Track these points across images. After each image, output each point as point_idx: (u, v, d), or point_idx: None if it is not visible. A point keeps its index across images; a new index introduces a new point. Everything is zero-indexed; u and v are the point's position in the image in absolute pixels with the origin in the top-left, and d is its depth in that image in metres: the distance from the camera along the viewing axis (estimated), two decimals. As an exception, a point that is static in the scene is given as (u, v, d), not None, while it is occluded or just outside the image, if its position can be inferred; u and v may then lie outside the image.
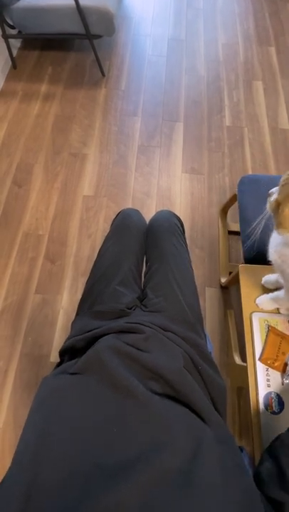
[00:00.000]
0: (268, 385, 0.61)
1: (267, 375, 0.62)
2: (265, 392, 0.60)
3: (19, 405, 1.11)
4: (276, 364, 0.63)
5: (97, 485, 0.33)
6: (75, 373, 0.48)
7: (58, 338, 1.22)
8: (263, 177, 1.11)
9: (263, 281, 0.76)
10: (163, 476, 0.35)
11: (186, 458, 0.37)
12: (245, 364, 0.70)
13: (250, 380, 0.63)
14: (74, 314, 0.75)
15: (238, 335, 1.14)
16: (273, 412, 0.59)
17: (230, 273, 1.27)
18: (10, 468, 0.38)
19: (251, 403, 0.60)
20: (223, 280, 1.28)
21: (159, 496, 0.33)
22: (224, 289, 1.30)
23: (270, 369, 0.63)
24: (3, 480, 0.37)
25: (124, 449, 0.38)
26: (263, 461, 0.46)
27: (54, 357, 1.19)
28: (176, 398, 0.45)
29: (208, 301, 1.28)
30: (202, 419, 0.45)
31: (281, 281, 0.69)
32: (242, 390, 1.03)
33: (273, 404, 0.59)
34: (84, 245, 1.39)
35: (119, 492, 0.33)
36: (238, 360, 1.04)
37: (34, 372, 1.16)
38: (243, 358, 1.07)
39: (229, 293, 1.29)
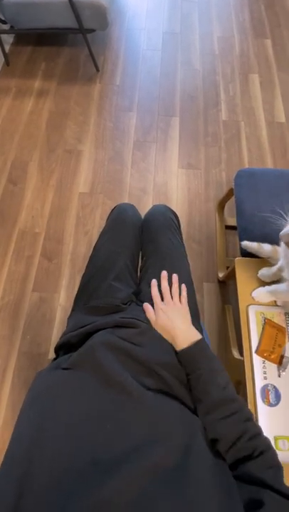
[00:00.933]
0: (265, 378, 0.61)
1: (263, 367, 0.62)
2: (262, 385, 0.60)
3: (18, 403, 1.11)
4: (272, 356, 0.62)
5: (90, 480, 0.34)
6: (69, 368, 0.48)
7: (56, 336, 1.21)
8: (259, 170, 1.10)
9: (259, 274, 0.76)
10: (155, 471, 0.35)
11: (178, 453, 0.37)
12: (243, 359, 0.69)
13: (246, 372, 0.63)
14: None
15: (236, 329, 1.14)
16: (270, 405, 0.59)
17: (227, 267, 1.26)
18: (3, 463, 0.38)
19: (248, 395, 0.60)
20: (221, 275, 1.27)
21: (151, 490, 0.34)
22: (222, 283, 1.29)
23: (266, 361, 0.63)
24: None
25: (117, 444, 0.38)
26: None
27: (52, 354, 1.18)
28: (170, 393, 0.44)
29: (206, 296, 1.28)
30: (196, 414, 0.45)
31: (283, 274, 0.68)
32: (240, 384, 1.03)
33: (270, 397, 0.59)
34: (80, 242, 1.38)
35: (111, 486, 0.33)
36: (236, 354, 1.04)
37: (32, 371, 1.16)
38: (242, 353, 1.07)
39: (227, 287, 1.29)
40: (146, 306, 0.62)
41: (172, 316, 0.58)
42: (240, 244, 0.97)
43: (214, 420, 0.43)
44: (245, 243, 0.84)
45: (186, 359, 0.51)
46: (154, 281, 0.65)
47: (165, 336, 0.56)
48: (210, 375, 0.48)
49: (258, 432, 0.43)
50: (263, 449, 0.41)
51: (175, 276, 0.66)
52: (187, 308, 0.63)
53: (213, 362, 0.50)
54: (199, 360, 0.50)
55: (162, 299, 0.63)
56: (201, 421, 0.43)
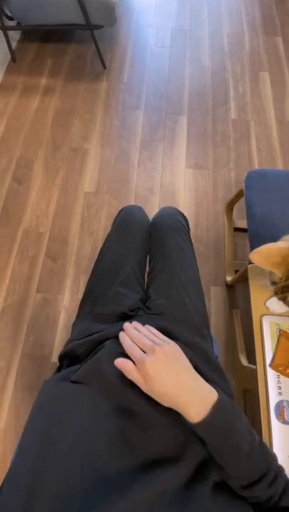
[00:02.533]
0: (280, 393, 0.58)
1: (278, 382, 0.59)
2: (277, 401, 0.57)
3: (20, 406, 1.09)
4: (288, 371, 0.59)
5: (96, 499, 0.33)
6: (77, 382, 0.46)
7: (60, 338, 1.20)
8: (271, 171, 1.07)
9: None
10: (165, 493, 0.34)
11: (187, 475, 0.36)
12: (252, 366, 0.66)
13: (260, 387, 0.59)
14: (75, 314, 0.72)
15: (244, 335, 1.11)
16: (285, 422, 0.56)
17: (236, 271, 1.23)
18: (9, 473, 0.37)
19: (261, 412, 0.57)
20: (229, 279, 1.24)
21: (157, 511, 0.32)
22: (230, 287, 1.26)
23: (281, 376, 0.60)
24: (2, 487, 0.36)
25: (125, 462, 0.37)
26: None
27: (56, 357, 1.17)
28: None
29: (213, 300, 1.25)
30: None
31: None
32: (248, 392, 1.00)
33: (285, 414, 0.56)
34: (86, 243, 1.36)
35: (118, 505, 0.32)
36: (244, 361, 1.01)
37: (35, 373, 1.14)
38: (250, 360, 1.04)
39: (235, 292, 1.26)
40: (124, 363, 0.41)
41: (168, 372, 0.40)
42: (250, 248, 0.94)
43: (237, 487, 0.37)
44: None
45: (205, 435, 0.38)
46: (122, 333, 0.46)
47: (165, 403, 0.39)
48: (234, 447, 0.37)
49: (287, 483, 0.38)
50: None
51: (137, 324, 0.48)
52: (176, 346, 0.44)
53: (234, 427, 0.38)
54: (221, 434, 0.37)
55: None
56: (222, 478, 0.37)
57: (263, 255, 0.43)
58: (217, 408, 0.38)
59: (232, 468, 0.37)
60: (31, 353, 1.17)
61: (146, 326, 0.48)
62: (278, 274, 0.41)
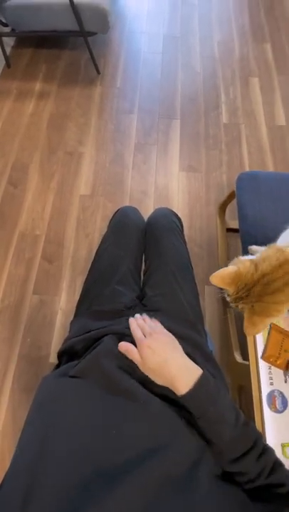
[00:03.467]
0: (271, 383, 0.61)
1: (269, 373, 0.62)
2: (268, 391, 0.60)
3: (18, 407, 1.10)
4: (279, 362, 0.62)
5: (96, 491, 0.33)
6: (75, 376, 0.48)
7: (57, 339, 1.20)
8: (262, 173, 1.10)
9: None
10: (161, 482, 0.35)
11: (186, 463, 0.37)
12: (246, 362, 0.69)
13: (252, 378, 0.62)
14: (72, 315, 0.74)
15: (238, 333, 1.14)
16: (277, 411, 0.58)
17: (229, 271, 1.26)
18: (8, 471, 0.37)
19: (254, 402, 0.60)
20: (223, 278, 1.27)
21: (157, 502, 0.33)
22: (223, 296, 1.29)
23: (272, 367, 0.62)
24: (1, 486, 0.36)
25: (123, 452, 0.37)
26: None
27: (53, 358, 1.18)
28: (178, 400, 0.44)
29: (208, 300, 1.27)
30: None
31: None
32: (243, 389, 1.03)
33: (277, 403, 0.59)
34: (81, 245, 1.38)
35: (118, 497, 0.33)
36: (238, 358, 1.04)
37: (33, 374, 1.15)
38: (244, 356, 1.06)
39: (228, 291, 1.28)
40: (126, 345, 0.49)
41: (161, 351, 0.46)
42: (242, 248, 0.96)
43: (228, 461, 0.40)
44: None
45: (192, 404, 0.43)
46: (131, 319, 0.54)
47: (159, 382, 0.45)
48: (219, 414, 0.42)
49: (276, 460, 0.41)
50: (282, 482, 0.39)
51: (145, 317, 0.56)
52: (172, 335, 0.52)
53: (219, 398, 0.43)
54: (206, 402, 0.42)
55: None
56: (217, 457, 0.40)
57: (219, 278, 0.57)
58: (202, 380, 0.44)
59: (220, 437, 0.40)
60: (28, 354, 1.18)
61: (153, 319, 0.56)
62: (230, 290, 0.55)
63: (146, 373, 0.46)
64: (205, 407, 0.42)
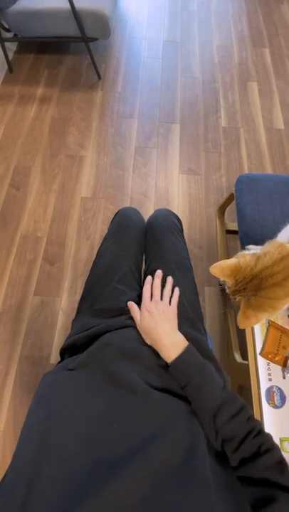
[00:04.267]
0: (270, 379, 0.62)
1: (268, 369, 0.63)
2: (267, 387, 0.61)
3: (19, 408, 1.10)
4: (277, 358, 0.63)
5: (97, 480, 0.34)
6: (75, 369, 0.49)
7: (58, 340, 1.21)
8: (260, 176, 1.12)
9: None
10: (160, 470, 0.35)
11: (183, 452, 0.38)
12: (246, 362, 0.70)
13: (251, 374, 0.63)
14: (73, 316, 0.75)
15: (238, 333, 1.15)
16: (275, 406, 0.59)
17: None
18: (11, 463, 0.38)
19: (253, 397, 0.61)
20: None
21: (157, 489, 0.34)
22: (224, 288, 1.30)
23: (271, 363, 0.63)
24: (4, 477, 0.37)
25: (124, 443, 0.38)
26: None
27: (54, 359, 1.19)
28: (176, 392, 0.45)
29: (208, 301, 1.28)
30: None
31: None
32: (243, 389, 1.03)
33: (275, 398, 0.60)
34: (82, 247, 1.39)
35: (116, 487, 0.33)
36: (238, 358, 1.04)
37: (34, 375, 1.15)
38: (244, 357, 1.07)
39: (228, 292, 1.29)
40: (131, 304, 0.59)
41: (157, 318, 0.54)
42: (241, 249, 0.98)
43: (223, 421, 0.42)
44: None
45: (181, 368, 0.48)
46: (149, 278, 0.62)
47: (147, 341, 0.53)
48: (208, 377, 0.47)
49: (262, 428, 0.43)
50: (269, 447, 0.41)
51: (170, 278, 0.64)
52: (176, 311, 0.59)
53: (206, 364, 0.49)
54: (194, 368, 0.47)
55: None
56: (208, 425, 0.43)
57: (218, 269, 0.58)
58: (188, 350, 0.51)
59: (211, 399, 0.44)
60: (30, 355, 1.19)
61: (169, 278, 0.64)
62: (230, 282, 0.57)
63: (140, 331, 0.56)
64: (194, 372, 0.47)
